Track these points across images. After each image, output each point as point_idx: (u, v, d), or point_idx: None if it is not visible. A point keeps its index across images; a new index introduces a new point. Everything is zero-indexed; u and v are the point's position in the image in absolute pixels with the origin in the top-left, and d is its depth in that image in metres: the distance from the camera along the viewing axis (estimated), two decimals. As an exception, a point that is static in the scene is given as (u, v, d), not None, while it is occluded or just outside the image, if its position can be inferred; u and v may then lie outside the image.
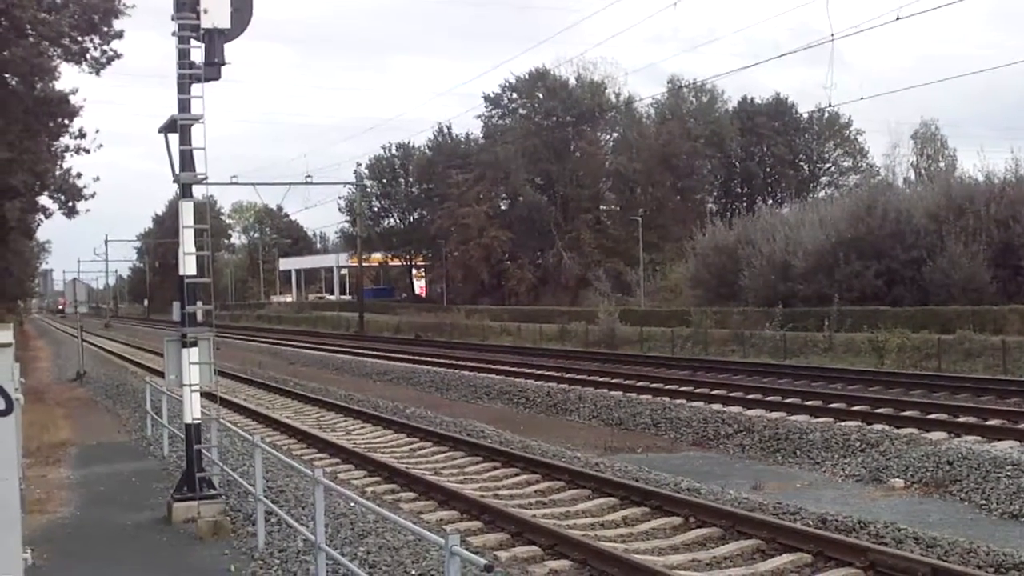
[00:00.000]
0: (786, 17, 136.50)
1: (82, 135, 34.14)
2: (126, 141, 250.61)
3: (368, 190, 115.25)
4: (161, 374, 24.51)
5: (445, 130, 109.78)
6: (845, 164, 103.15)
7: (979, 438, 20.57)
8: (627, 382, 33.87)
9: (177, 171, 14.27)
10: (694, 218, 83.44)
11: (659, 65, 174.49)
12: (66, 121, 33.63)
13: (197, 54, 14.17)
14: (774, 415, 24.71)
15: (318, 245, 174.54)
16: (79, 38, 31.00)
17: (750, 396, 28.96)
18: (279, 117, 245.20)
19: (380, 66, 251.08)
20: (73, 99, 32.80)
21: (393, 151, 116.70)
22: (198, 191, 14.59)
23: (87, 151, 34.42)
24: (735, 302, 58.70)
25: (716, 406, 26.85)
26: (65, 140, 34.51)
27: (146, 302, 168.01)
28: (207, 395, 15.70)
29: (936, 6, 28.76)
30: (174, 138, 14.36)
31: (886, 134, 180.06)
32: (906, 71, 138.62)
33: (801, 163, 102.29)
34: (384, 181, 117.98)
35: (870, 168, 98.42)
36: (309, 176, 73.52)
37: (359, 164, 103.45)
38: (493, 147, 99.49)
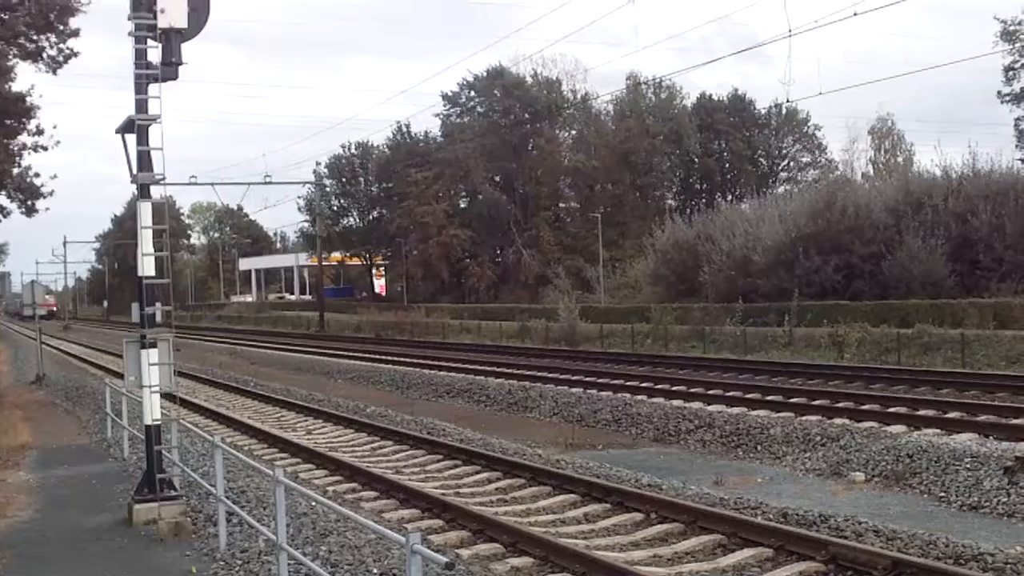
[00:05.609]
0: (713, 15, 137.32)
1: (40, 132, 33.79)
2: (84, 143, 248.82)
3: (327, 189, 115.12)
4: (121, 376, 24.33)
5: (404, 129, 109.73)
6: (804, 159, 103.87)
7: (938, 431, 20.72)
8: (588, 379, 33.87)
9: (135, 172, 14.16)
10: (653, 215, 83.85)
11: (597, 69, 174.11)
12: (23, 120, 33.28)
13: (154, 54, 14.06)
14: (735, 410, 24.79)
15: (278, 245, 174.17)
16: (35, 36, 30.66)
17: (711, 392, 29.08)
18: (237, 117, 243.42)
19: (334, 66, 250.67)
20: (30, 98, 32.51)
21: (352, 150, 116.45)
22: (156, 192, 14.48)
23: (45, 148, 34.02)
24: (695, 298, 58.91)
25: (677, 402, 26.96)
26: (23, 138, 34.15)
27: (105, 304, 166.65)
28: (167, 396, 15.59)
29: (891, 2, 28.95)
30: (132, 139, 14.23)
31: (844, 129, 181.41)
32: (859, 66, 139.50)
33: (760, 159, 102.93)
34: (343, 180, 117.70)
35: (829, 163, 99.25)
36: (268, 176, 72.74)
37: (318, 163, 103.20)
38: (452, 145, 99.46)
